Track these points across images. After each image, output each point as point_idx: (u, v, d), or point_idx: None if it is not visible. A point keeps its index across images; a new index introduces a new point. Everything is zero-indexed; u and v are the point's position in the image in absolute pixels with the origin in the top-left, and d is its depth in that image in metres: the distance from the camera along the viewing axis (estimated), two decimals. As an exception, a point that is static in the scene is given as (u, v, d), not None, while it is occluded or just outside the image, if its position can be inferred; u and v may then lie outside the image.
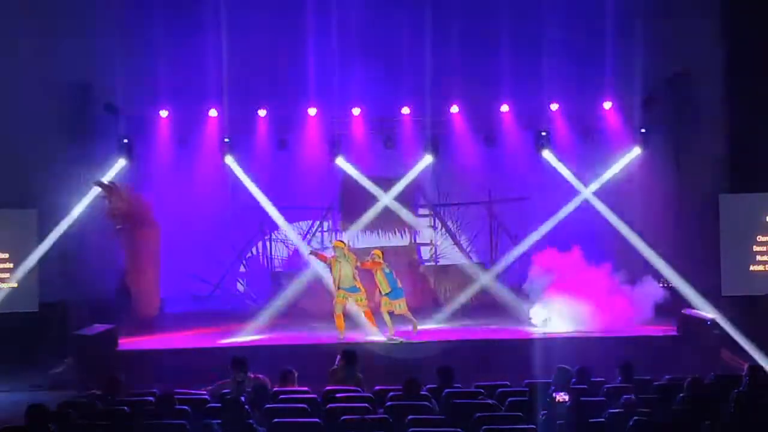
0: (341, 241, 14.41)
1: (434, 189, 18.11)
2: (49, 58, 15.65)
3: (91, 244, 15.94)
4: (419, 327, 14.16)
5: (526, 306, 15.01)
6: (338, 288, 13.86)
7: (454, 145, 17.01)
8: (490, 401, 8.95)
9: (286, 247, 18.07)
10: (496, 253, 18.00)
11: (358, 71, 16.10)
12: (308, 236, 18.16)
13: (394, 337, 13.77)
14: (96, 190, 15.53)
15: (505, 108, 16.58)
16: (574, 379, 9.32)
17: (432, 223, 18.43)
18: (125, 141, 16.17)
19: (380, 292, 13.90)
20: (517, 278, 16.42)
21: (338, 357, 10.26)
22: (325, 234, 18.29)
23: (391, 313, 13.91)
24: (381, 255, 14.07)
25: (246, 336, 14.09)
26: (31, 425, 7.51)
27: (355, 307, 14.03)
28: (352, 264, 13.88)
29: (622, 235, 15.91)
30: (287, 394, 9.21)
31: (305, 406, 8.61)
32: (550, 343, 13.30)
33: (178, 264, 16.82)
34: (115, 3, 16.21)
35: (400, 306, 13.91)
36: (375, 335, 13.81)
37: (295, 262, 17.87)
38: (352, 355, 10.21)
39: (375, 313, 13.99)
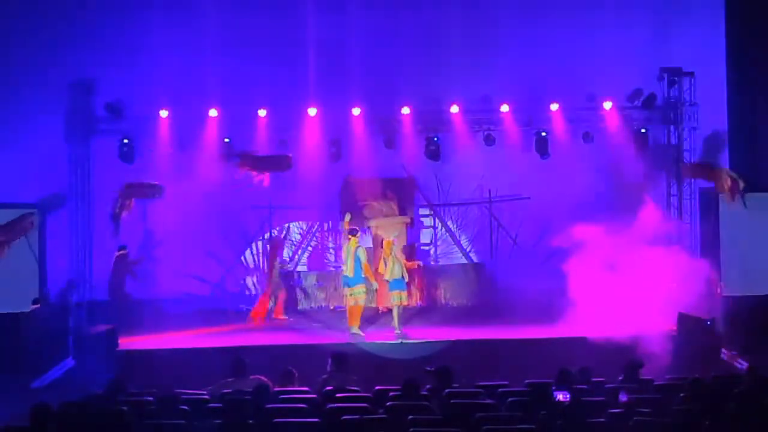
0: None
1: (434, 189, 18.09)
2: (50, 58, 15.69)
3: (91, 244, 15.98)
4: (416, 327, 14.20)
5: None
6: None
7: (454, 145, 17.00)
8: (490, 401, 8.96)
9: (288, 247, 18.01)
10: (497, 252, 17.98)
11: (359, 71, 16.10)
12: (308, 236, 18.15)
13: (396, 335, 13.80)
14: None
15: (505, 108, 16.57)
16: (574, 379, 9.32)
17: (432, 223, 18.41)
18: (126, 141, 16.17)
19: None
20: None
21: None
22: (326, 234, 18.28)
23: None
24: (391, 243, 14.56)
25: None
26: (33, 425, 7.50)
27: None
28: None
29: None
30: (287, 394, 9.21)
31: (305, 406, 8.61)
32: (551, 343, 13.29)
33: (179, 264, 16.81)
34: (116, 4, 16.24)
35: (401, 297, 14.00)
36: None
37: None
38: (343, 358, 10.11)
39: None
